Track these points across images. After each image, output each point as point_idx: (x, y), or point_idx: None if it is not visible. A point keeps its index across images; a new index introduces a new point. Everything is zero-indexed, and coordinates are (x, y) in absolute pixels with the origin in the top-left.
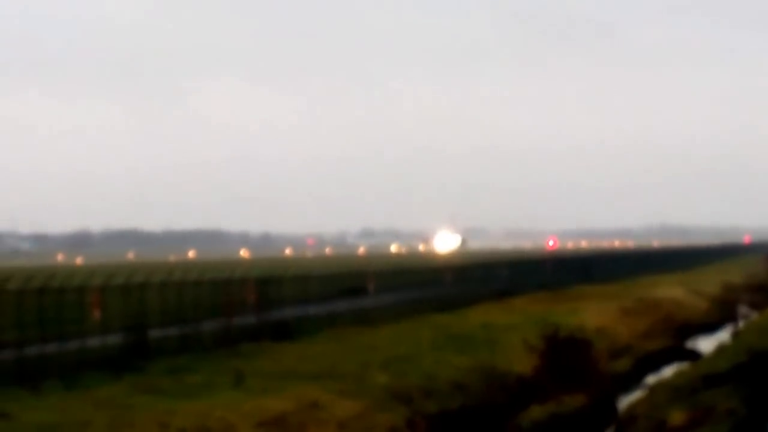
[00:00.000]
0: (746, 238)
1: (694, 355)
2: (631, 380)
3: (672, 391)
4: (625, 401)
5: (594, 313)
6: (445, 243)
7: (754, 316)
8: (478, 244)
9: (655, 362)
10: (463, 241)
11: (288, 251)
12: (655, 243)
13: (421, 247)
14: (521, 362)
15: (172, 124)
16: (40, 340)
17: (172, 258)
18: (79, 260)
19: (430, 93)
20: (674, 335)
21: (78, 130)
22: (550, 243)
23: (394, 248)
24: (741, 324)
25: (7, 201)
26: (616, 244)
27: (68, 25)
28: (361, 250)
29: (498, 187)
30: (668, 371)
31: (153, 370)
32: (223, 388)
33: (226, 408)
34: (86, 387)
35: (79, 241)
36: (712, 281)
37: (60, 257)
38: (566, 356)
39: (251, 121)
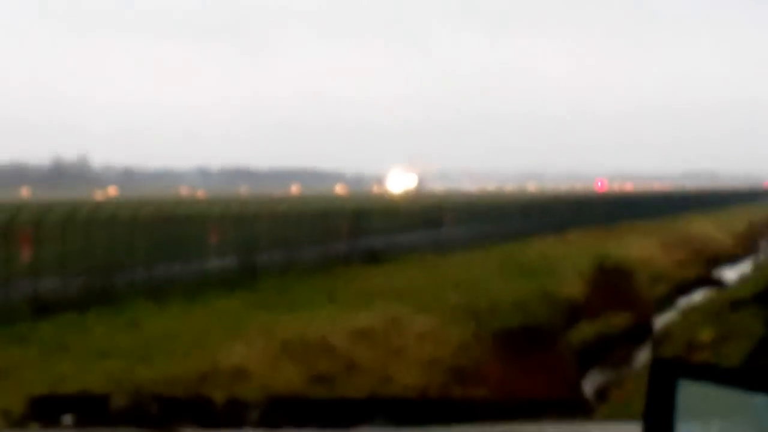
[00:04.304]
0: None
1: (721, 284)
2: (667, 303)
3: (701, 313)
4: (661, 321)
5: (637, 246)
6: (399, 183)
7: None
8: (440, 185)
9: (687, 288)
10: (418, 183)
11: (375, 188)
12: (689, 185)
13: (375, 188)
14: (574, 287)
15: (264, 77)
16: (166, 260)
17: (277, 192)
18: (200, 193)
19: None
20: (705, 265)
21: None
22: (599, 185)
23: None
24: (762, 258)
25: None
26: (657, 186)
27: None
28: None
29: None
30: (698, 296)
31: (261, 288)
32: (320, 304)
33: (322, 320)
34: (205, 301)
35: (201, 176)
36: (738, 219)
37: (183, 190)
38: (612, 283)
39: (339, 74)
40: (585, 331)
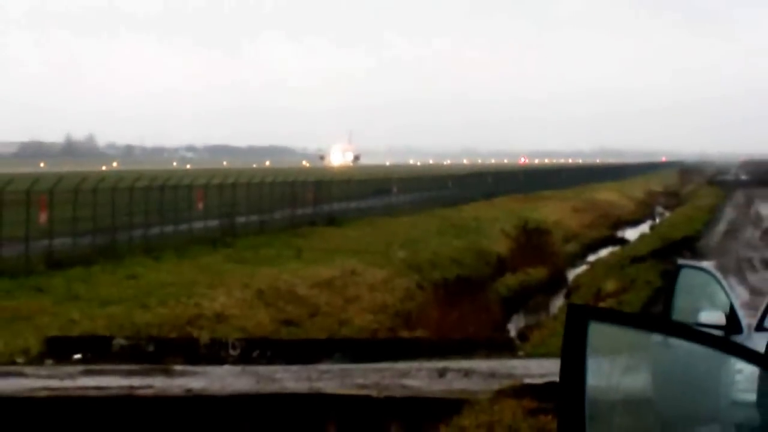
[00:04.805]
0: (663, 159)
1: (623, 242)
2: (578, 259)
3: (607, 267)
4: (573, 274)
5: (553, 210)
6: (339, 158)
7: (667, 214)
8: (370, 161)
9: (595, 246)
10: (356, 158)
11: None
12: (598, 161)
13: (323, 161)
14: (500, 244)
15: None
16: (159, 223)
17: (254, 166)
18: (188, 166)
19: None
20: (610, 227)
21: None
22: (522, 160)
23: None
24: (657, 220)
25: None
26: (570, 161)
27: None
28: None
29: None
30: (604, 253)
31: (239, 245)
32: (288, 260)
33: (290, 273)
34: (192, 257)
35: (188, 152)
36: (638, 189)
37: (174, 164)
38: (532, 241)
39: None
40: (509, 281)
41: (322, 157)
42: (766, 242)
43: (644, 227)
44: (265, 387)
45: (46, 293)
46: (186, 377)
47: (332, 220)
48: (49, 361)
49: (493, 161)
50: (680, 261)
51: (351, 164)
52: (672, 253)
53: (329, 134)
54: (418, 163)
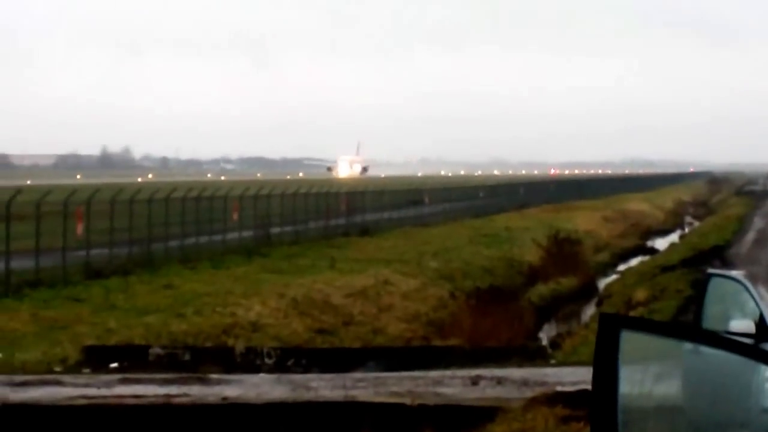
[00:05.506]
0: (691, 169)
1: (653, 251)
2: (608, 268)
3: (637, 276)
4: (604, 283)
5: (584, 220)
6: (347, 170)
7: (696, 224)
8: (378, 171)
9: (625, 255)
10: (364, 169)
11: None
12: (628, 171)
13: (332, 172)
14: (532, 254)
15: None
16: (195, 233)
17: (288, 177)
18: (222, 177)
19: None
20: (640, 236)
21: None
22: (552, 171)
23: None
24: (687, 230)
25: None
26: (600, 171)
27: None
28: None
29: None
30: (635, 262)
31: (274, 255)
32: (322, 269)
33: (324, 283)
34: (228, 267)
35: (227, 163)
36: (667, 199)
37: (209, 175)
38: (563, 250)
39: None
40: (541, 290)
41: (329, 169)
42: None
43: (674, 237)
44: (301, 395)
45: (84, 303)
46: (222, 385)
47: (365, 230)
48: (87, 370)
49: (523, 172)
50: (710, 270)
51: (359, 176)
52: (702, 262)
53: (362, 145)
54: (450, 174)
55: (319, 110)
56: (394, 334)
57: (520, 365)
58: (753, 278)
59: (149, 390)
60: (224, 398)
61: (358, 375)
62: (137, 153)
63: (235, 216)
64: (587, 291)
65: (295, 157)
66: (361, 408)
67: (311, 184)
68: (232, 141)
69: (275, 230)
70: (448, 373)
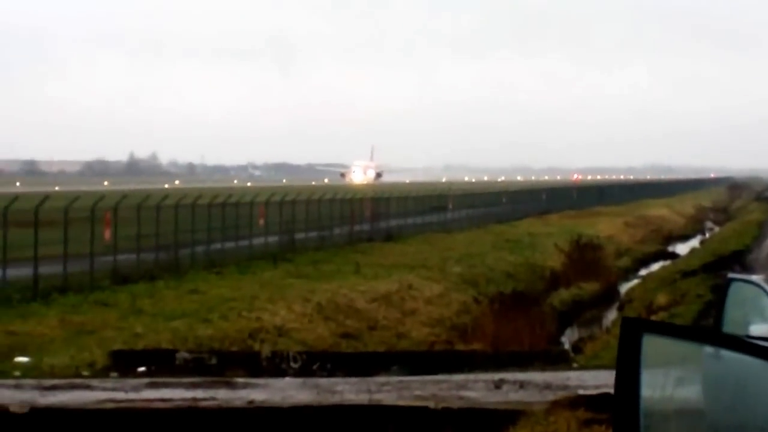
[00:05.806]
0: (712, 175)
1: (674, 256)
2: (630, 273)
3: (658, 281)
4: (625, 288)
5: (605, 226)
6: (360, 176)
7: (717, 229)
8: (393, 178)
9: (647, 261)
10: (378, 175)
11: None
12: (649, 177)
13: (346, 178)
14: (554, 259)
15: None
16: (221, 239)
17: (313, 183)
18: (248, 184)
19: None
20: (661, 242)
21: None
22: (575, 176)
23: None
24: (707, 235)
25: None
26: (622, 177)
27: None
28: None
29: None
30: (656, 267)
31: (299, 261)
32: (347, 275)
33: (349, 288)
34: (253, 272)
35: (255, 170)
36: (688, 204)
37: (235, 182)
38: (585, 255)
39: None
40: (563, 295)
41: (342, 174)
42: None
43: (695, 242)
44: (326, 399)
45: (111, 308)
46: (248, 389)
47: (390, 236)
48: (114, 374)
49: (546, 178)
50: (730, 274)
51: (373, 181)
52: (722, 267)
53: (383, 151)
54: (473, 180)
55: (344, 116)
56: (418, 339)
57: (542, 369)
58: None
59: (176, 394)
60: (250, 402)
61: (382, 379)
62: (164, 159)
63: (261, 222)
64: (609, 296)
65: (321, 162)
66: (386, 411)
67: (336, 190)
68: (257, 147)
69: (300, 236)
70: (472, 376)
